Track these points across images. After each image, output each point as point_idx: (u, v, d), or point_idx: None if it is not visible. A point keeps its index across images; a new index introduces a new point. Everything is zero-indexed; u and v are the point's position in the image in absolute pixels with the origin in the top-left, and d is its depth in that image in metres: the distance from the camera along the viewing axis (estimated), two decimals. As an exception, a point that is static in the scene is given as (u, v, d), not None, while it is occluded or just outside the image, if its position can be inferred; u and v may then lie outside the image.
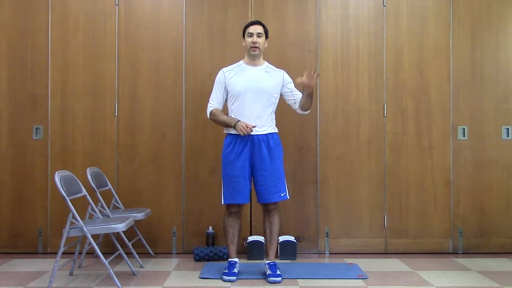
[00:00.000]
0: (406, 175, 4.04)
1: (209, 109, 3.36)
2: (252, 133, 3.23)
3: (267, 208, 3.35)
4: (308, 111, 3.43)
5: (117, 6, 4.05)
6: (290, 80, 3.42)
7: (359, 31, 4.08)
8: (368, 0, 4.09)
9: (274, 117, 3.38)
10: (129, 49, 4.04)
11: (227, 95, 3.36)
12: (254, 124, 3.19)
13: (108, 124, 4.02)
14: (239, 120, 3.21)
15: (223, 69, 3.41)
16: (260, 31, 3.32)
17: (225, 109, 3.40)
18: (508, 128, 4.07)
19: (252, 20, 3.91)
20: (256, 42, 3.29)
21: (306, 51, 4.07)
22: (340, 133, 4.05)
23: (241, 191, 3.26)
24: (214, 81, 3.42)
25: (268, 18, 4.03)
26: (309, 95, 3.28)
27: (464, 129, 4.06)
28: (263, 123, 3.29)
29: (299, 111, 3.42)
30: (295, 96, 3.39)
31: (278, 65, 3.49)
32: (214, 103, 3.36)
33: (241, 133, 3.17)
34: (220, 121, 3.32)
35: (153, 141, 4.03)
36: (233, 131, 3.29)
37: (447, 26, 4.08)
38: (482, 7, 4.09)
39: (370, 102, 4.06)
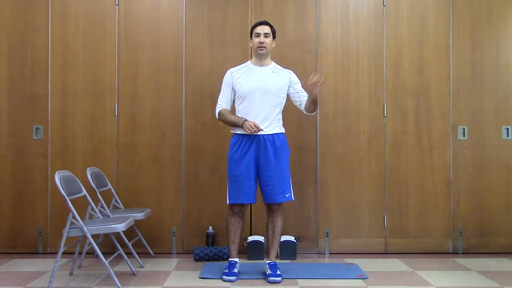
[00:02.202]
0: (406, 175, 4.04)
1: (217, 110, 3.37)
2: (258, 133, 3.24)
3: (271, 208, 3.35)
4: (314, 113, 3.44)
5: (117, 6, 4.05)
6: (297, 80, 3.42)
7: (359, 31, 4.08)
8: (368, 0, 4.09)
9: (281, 117, 3.38)
10: (129, 49, 4.04)
11: (234, 95, 3.37)
12: (262, 127, 3.19)
13: (108, 124, 4.02)
14: (246, 120, 3.22)
15: (230, 69, 3.41)
16: (267, 31, 3.32)
17: (233, 110, 3.41)
18: (508, 128, 4.07)
19: (252, 20, 3.93)
20: (263, 42, 3.29)
21: (306, 51, 4.07)
22: (340, 133, 4.05)
23: (246, 191, 3.26)
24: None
25: (268, 18, 4.00)
26: (313, 100, 3.28)
27: (464, 129, 4.06)
28: (270, 123, 3.28)
29: (305, 112, 3.42)
30: (301, 98, 3.38)
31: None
32: (222, 104, 3.37)
33: (248, 132, 3.18)
34: (228, 121, 3.33)
35: (153, 141, 4.03)
36: (239, 131, 3.29)
37: (447, 26, 4.08)
38: (482, 7, 4.09)
39: (370, 102, 4.06)
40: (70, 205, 3.00)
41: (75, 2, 4.05)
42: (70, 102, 4.02)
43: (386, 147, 4.05)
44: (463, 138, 4.06)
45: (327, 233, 4.04)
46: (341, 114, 4.06)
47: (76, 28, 4.04)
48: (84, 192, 3.32)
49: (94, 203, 3.38)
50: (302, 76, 4.01)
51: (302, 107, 3.39)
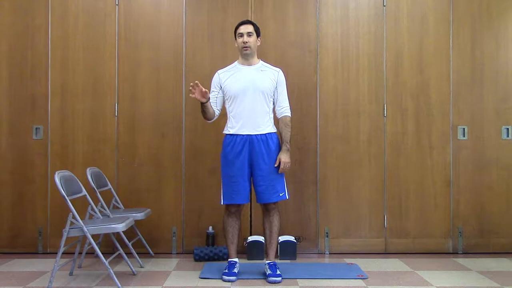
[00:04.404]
0: (406, 175, 4.04)
1: None
2: (251, 133, 3.25)
3: (266, 208, 3.35)
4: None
5: (117, 6, 4.05)
6: (283, 81, 3.37)
7: (359, 31, 4.08)
8: (368, 0, 4.09)
9: (272, 116, 3.37)
10: (129, 49, 4.04)
11: (223, 97, 3.36)
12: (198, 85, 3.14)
13: (108, 124, 4.03)
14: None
15: (218, 71, 3.41)
16: (250, 30, 3.30)
17: (224, 111, 3.41)
18: (508, 128, 4.07)
19: (252, 20, 3.91)
20: (247, 42, 3.27)
21: (306, 51, 4.07)
22: (340, 133, 4.05)
23: (240, 191, 3.26)
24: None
25: (268, 18, 4.03)
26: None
27: (464, 129, 4.06)
28: (262, 123, 3.28)
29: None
30: (277, 107, 3.35)
31: (278, 65, 3.48)
32: None
33: (200, 98, 3.14)
34: (203, 112, 3.29)
35: (153, 141, 4.03)
36: (232, 131, 3.29)
37: (447, 26, 4.08)
38: (482, 7, 4.09)
39: (370, 102, 4.06)
40: (70, 205, 3.00)
41: (75, 2, 4.05)
42: (70, 102, 4.02)
43: (386, 147, 4.05)
44: (463, 138, 4.06)
45: (327, 233, 4.04)
46: (341, 114, 4.06)
47: (76, 28, 4.04)
48: (84, 192, 3.32)
49: (94, 203, 3.38)
50: (302, 76, 4.04)
51: (277, 116, 3.37)
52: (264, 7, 4.06)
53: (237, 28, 3.35)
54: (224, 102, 3.38)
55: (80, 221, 3.00)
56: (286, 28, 4.07)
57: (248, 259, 3.79)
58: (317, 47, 4.07)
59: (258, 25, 3.40)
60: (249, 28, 3.30)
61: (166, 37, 4.05)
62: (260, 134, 3.27)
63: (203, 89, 3.15)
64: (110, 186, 3.85)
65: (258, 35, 3.36)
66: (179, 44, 4.05)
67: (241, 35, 3.29)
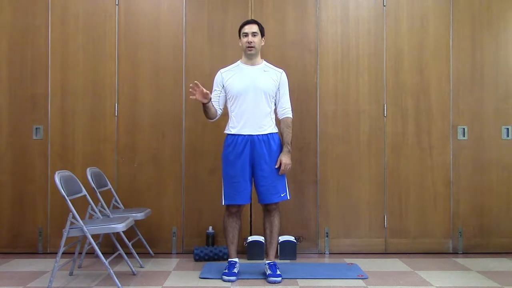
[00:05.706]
0: (406, 175, 4.04)
1: None
2: (252, 134, 3.25)
3: (267, 208, 3.35)
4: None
5: (117, 6, 4.05)
6: (285, 82, 3.37)
7: (359, 31, 4.08)
8: (368, 0, 4.09)
9: (274, 116, 3.37)
10: (129, 49, 4.04)
11: (225, 96, 3.36)
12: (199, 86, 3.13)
13: (108, 124, 4.03)
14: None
15: (220, 70, 3.40)
16: (255, 30, 3.29)
17: (225, 110, 3.40)
18: (508, 128, 4.07)
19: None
20: (251, 42, 3.26)
21: (306, 51, 4.07)
22: (340, 133, 4.05)
23: (242, 192, 3.25)
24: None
25: (268, 18, 4.03)
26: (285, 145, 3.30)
27: (464, 129, 4.06)
28: (264, 123, 3.28)
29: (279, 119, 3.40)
30: (279, 108, 3.35)
31: (278, 65, 3.48)
32: None
33: (201, 99, 3.14)
34: (205, 112, 3.29)
35: (153, 141, 4.03)
36: (233, 131, 3.29)
37: (447, 26, 4.08)
38: (482, 7, 4.09)
39: (370, 102, 4.06)
40: (70, 205, 3.00)
41: (75, 2, 4.05)
42: (70, 102, 4.02)
43: (386, 147, 4.05)
44: (463, 138, 4.06)
45: (327, 233, 4.04)
46: (341, 114, 4.06)
47: (76, 28, 4.04)
48: (84, 192, 3.32)
49: (94, 203, 3.38)
50: (302, 76, 4.04)
51: (279, 116, 3.37)
52: (264, 7, 4.06)
53: (241, 27, 3.34)
54: (226, 101, 3.38)
55: (80, 221, 3.00)
56: (286, 28, 4.07)
57: (248, 259, 3.79)
58: (317, 47, 4.07)
59: None
60: (254, 27, 3.30)
61: (166, 37, 4.05)
62: (262, 135, 3.27)
63: (204, 90, 3.14)
64: (110, 186, 3.85)
65: (262, 35, 3.35)
66: (179, 44, 4.05)
67: (246, 34, 3.28)
